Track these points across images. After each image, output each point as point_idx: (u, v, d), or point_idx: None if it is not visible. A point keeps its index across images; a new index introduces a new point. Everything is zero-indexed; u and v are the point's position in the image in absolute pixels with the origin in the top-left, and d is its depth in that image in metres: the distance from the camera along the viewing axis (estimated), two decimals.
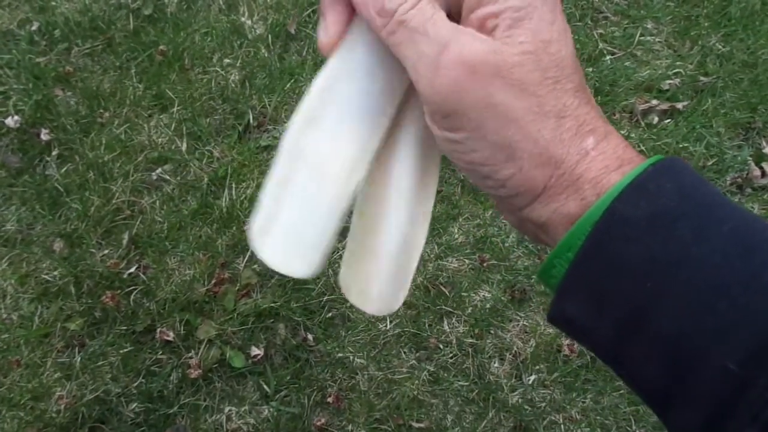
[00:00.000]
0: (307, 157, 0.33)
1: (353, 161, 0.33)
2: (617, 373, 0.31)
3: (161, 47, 1.72)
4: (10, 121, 1.60)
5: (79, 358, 1.31)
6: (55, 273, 1.40)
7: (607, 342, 0.29)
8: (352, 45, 0.33)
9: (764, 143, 1.65)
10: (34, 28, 1.76)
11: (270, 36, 1.75)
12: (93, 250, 1.43)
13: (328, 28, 0.33)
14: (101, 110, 1.63)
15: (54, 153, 1.57)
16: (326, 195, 0.33)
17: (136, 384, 1.28)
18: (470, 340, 1.36)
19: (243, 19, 1.79)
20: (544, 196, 0.31)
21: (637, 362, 0.29)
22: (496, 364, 1.35)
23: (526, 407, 1.31)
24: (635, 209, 0.28)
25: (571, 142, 0.30)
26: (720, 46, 1.79)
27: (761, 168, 1.61)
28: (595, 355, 0.31)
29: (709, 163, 1.61)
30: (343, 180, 0.33)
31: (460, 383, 1.33)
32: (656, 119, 1.67)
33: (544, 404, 1.31)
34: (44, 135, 1.59)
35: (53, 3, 1.79)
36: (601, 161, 0.30)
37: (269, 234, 0.33)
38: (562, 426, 1.29)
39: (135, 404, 1.27)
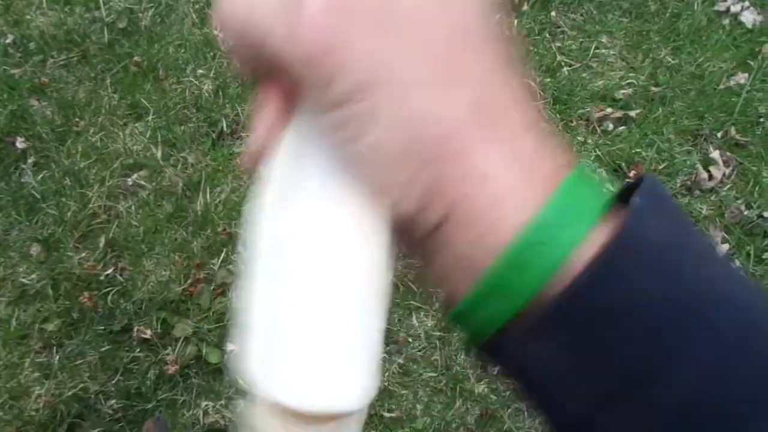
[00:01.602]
0: (297, 240, 0.24)
1: (358, 229, 0.24)
2: None
3: (136, 58, 1.77)
4: None
5: (57, 358, 1.33)
6: (33, 276, 1.42)
7: (579, 404, 0.22)
8: (301, 120, 0.25)
9: (711, 149, 1.76)
10: (8, 41, 1.79)
11: None
12: (70, 254, 1.46)
13: (259, 135, 0.26)
14: (77, 119, 1.67)
15: (30, 161, 1.60)
16: (343, 279, 0.24)
17: (114, 381, 1.31)
18: (438, 333, 1.43)
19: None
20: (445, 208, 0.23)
21: None
22: (462, 356, 1.41)
23: (492, 396, 1.37)
24: (656, 233, 0.22)
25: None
26: (670, 59, 1.91)
27: (708, 171, 1.71)
28: (541, 413, 0.25)
29: (661, 167, 1.71)
30: (355, 255, 0.24)
31: (428, 374, 1.39)
32: (611, 126, 1.77)
33: (508, 393, 1.38)
34: (20, 143, 1.62)
35: (28, 17, 1.83)
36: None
37: (280, 365, 0.24)
38: (525, 413, 1.36)
39: (113, 401, 1.30)
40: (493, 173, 0.22)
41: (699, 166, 1.72)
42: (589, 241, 0.21)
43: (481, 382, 1.39)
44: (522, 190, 0.22)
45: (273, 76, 0.25)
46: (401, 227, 0.24)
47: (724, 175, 1.71)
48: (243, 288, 0.25)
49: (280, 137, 0.26)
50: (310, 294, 0.24)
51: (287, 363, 0.23)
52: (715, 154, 1.73)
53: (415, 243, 0.25)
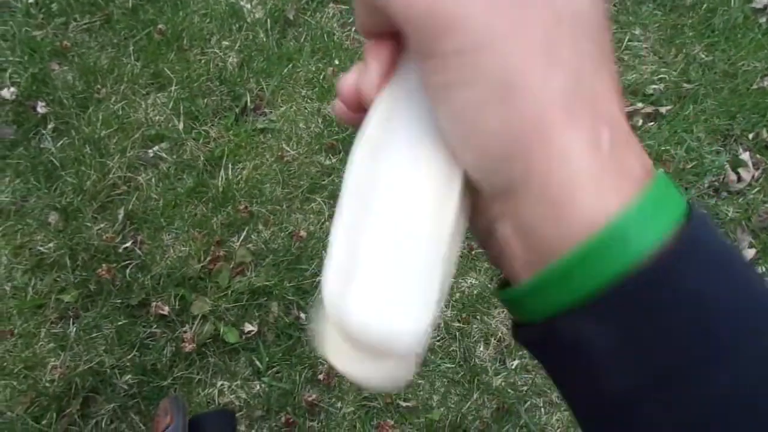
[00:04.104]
0: (382, 190, 0.26)
1: (441, 187, 0.26)
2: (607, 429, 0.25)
3: (160, 26, 1.73)
4: (6, 93, 1.60)
5: (74, 330, 1.32)
6: (50, 245, 1.41)
7: (631, 378, 0.23)
8: (402, 80, 0.28)
9: (741, 150, 1.72)
10: (30, 0, 1.75)
11: (269, 20, 1.78)
12: (88, 224, 1.44)
13: (370, 71, 0.28)
14: (98, 86, 1.64)
15: (50, 126, 1.57)
16: (420, 228, 0.26)
17: (130, 356, 1.30)
18: (457, 325, 1.41)
19: (242, 2, 1.80)
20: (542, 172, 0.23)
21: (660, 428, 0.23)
22: (481, 348, 1.40)
23: (509, 390, 1.36)
24: (714, 238, 0.23)
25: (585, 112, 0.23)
26: (703, 56, 1.87)
27: (737, 173, 1.68)
28: (572, 398, 0.26)
29: (689, 167, 1.68)
30: (434, 212, 0.26)
31: (446, 365, 1.38)
32: (640, 122, 1.74)
33: (526, 388, 1.37)
34: (40, 108, 1.60)
35: None
36: (632, 153, 0.24)
37: (352, 287, 0.25)
38: (542, 409, 1.35)
39: (129, 376, 1.28)
40: (576, 156, 0.22)
41: (728, 167, 1.69)
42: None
43: (499, 376, 1.37)
44: (601, 180, 0.22)
45: (386, 36, 0.28)
46: (474, 184, 0.26)
47: (753, 177, 1.68)
48: (333, 224, 0.28)
49: (380, 92, 0.28)
50: (384, 232, 0.26)
51: (355, 289, 0.25)
52: (744, 156, 1.70)
53: (483, 205, 0.27)
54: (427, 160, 0.26)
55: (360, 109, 0.29)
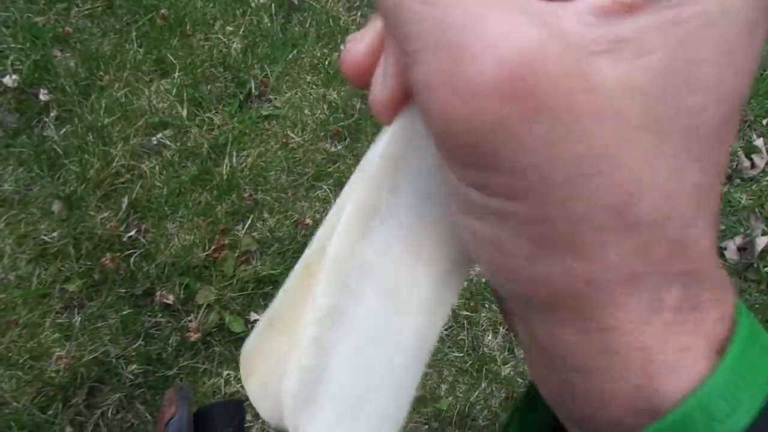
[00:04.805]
0: (371, 276, 0.22)
1: (439, 287, 0.22)
2: None
3: (162, 11, 1.71)
4: (8, 80, 1.58)
5: (78, 319, 1.31)
6: (54, 234, 1.39)
7: None
8: (415, 117, 0.21)
9: (754, 136, 1.69)
10: None
11: (273, 5, 1.75)
12: (92, 213, 1.42)
13: (387, 79, 0.20)
14: (101, 73, 1.62)
15: (53, 114, 1.56)
16: (405, 338, 0.22)
17: (135, 346, 1.29)
18: (466, 313, 1.39)
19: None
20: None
21: None
22: (489, 337, 1.38)
23: (518, 379, 1.34)
24: None
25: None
26: None
27: (751, 159, 1.65)
28: None
29: None
30: (425, 315, 0.22)
31: (454, 354, 1.36)
32: None
33: None
34: (43, 95, 1.58)
35: None
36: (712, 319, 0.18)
37: (316, 405, 0.22)
38: None
39: (134, 366, 1.28)
40: (626, 327, 0.17)
41: (741, 154, 1.66)
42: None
43: (508, 365, 1.36)
44: (667, 351, 0.17)
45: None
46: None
47: (767, 164, 1.65)
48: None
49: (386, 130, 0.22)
50: (364, 342, 0.22)
51: (320, 409, 0.22)
52: (758, 142, 1.67)
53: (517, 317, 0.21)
54: (431, 249, 0.22)
55: (364, 85, 0.22)
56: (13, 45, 1.63)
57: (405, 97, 0.20)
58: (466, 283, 1.42)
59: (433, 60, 0.16)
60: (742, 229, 1.54)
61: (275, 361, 0.24)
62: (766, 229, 1.53)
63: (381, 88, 0.20)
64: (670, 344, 0.18)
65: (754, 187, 1.62)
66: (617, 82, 0.16)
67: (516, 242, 0.17)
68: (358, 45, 0.21)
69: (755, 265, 1.48)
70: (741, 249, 1.51)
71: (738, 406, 0.17)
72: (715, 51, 0.16)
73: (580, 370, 0.18)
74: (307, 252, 0.24)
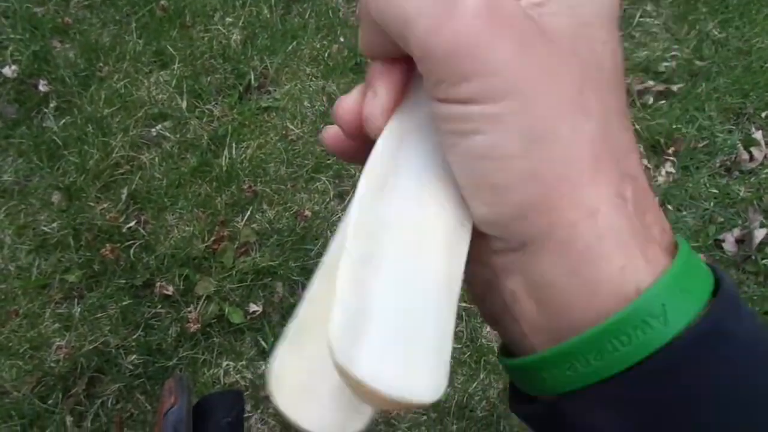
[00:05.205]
0: (391, 228, 0.24)
1: (454, 232, 0.24)
2: None
3: (162, 2, 1.70)
4: (8, 71, 1.58)
5: (78, 310, 1.31)
6: (54, 225, 1.39)
7: None
8: (412, 109, 0.26)
9: (754, 129, 1.69)
10: None
11: None
12: (92, 204, 1.43)
13: (379, 97, 0.25)
14: (100, 64, 1.62)
15: (52, 105, 1.55)
16: (434, 273, 0.24)
17: (134, 336, 1.30)
18: (463, 305, 1.40)
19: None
20: (564, 236, 0.21)
21: None
22: (488, 329, 1.39)
23: None
24: (737, 325, 0.21)
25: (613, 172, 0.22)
26: (716, 32, 1.83)
27: (749, 152, 1.65)
28: None
29: (700, 145, 1.65)
30: (448, 258, 0.24)
31: (453, 346, 1.36)
32: (651, 100, 1.71)
33: None
34: (42, 86, 1.58)
35: None
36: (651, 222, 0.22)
37: (365, 338, 0.22)
38: None
39: (134, 356, 1.28)
40: (603, 213, 0.21)
41: (740, 146, 1.66)
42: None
43: None
44: (628, 243, 0.21)
45: (396, 59, 0.25)
46: (481, 235, 0.24)
47: (765, 157, 1.65)
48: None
49: (388, 120, 0.26)
50: (398, 280, 0.24)
51: (369, 341, 0.22)
52: (757, 135, 1.67)
53: (485, 255, 0.24)
54: (439, 201, 0.25)
55: (359, 135, 0.26)
56: (12, 35, 1.63)
57: (393, 105, 0.26)
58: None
59: (430, 10, 0.21)
60: (740, 222, 1.54)
61: (312, 363, 0.25)
62: (764, 221, 1.53)
63: (374, 102, 0.25)
64: (637, 235, 0.21)
65: (752, 179, 1.62)
66: (546, 23, 0.22)
67: (508, 141, 0.21)
68: (348, 97, 0.26)
69: (753, 258, 1.48)
70: (739, 241, 1.52)
71: (680, 308, 0.20)
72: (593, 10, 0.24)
73: (575, 266, 0.21)
74: (326, 257, 0.26)
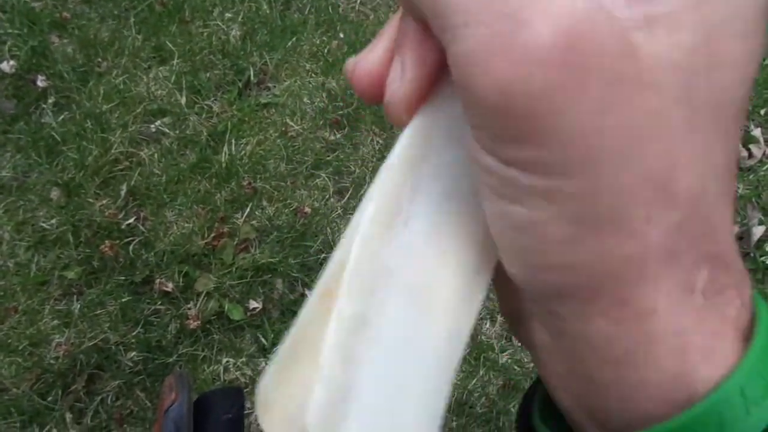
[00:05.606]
0: (394, 279, 0.21)
1: (468, 279, 0.21)
2: None
3: None
4: (6, 66, 1.57)
5: (78, 306, 1.31)
6: (53, 221, 1.39)
7: None
8: (444, 107, 0.21)
9: (752, 126, 1.70)
10: None
11: None
12: (91, 200, 1.42)
13: (407, 75, 0.20)
14: (99, 59, 1.61)
15: (50, 100, 1.55)
16: (435, 339, 0.21)
17: (134, 333, 1.30)
18: None
19: None
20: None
21: None
22: (487, 325, 1.39)
23: (516, 367, 1.35)
24: None
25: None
26: None
27: (748, 149, 1.66)
28: None
29: None
30: (454, 313, 0.21)
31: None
32: None
33: (532, 365, 1.36)
34: (40, 81, 1.57)
35: None
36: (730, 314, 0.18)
37: (344, 424, 0.20)
38: None
39: (133, 353, 1.28)
40: (659, 312, 0.17)
41: (738, 144, 1.66)
42: None
43: (505, 353, 1.37)
44: (686, 343, 0.18)
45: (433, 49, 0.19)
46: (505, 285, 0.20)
47: (764, 154, 1.66)
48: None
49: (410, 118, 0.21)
50: (392, 349, 0.21)
51: (348, 428, 0.20)
52: (756, 132, 1.68)
53: (512, 293, 0.21)
54: (457, 242, 0.21)
55: (379, 101, 0.22)
56: (10, 30, 1.62)
57: (423, 94, 0.20)
58: None
59: (482, 29, 0.15)
60: (738, 219, 1.55)
61: (298, 390, 0.22)
62: (762, 218, 1.54)
63: (399, 85, 0.20)
64: (704, 328, 0.18)
65: (751, 176, 1.62)
66: (655, 56, 0.15)
67: (556, 224, 0.17)
68: (370, 55, 0.21)
69: (751, 255, 1.49)
70: (737, 239, 1.52)
71: (762, 398, 0.17)
72: (737, 29, 0.16)
73: (615, 362, 0.18)
74: (325, 275, 0.23)
